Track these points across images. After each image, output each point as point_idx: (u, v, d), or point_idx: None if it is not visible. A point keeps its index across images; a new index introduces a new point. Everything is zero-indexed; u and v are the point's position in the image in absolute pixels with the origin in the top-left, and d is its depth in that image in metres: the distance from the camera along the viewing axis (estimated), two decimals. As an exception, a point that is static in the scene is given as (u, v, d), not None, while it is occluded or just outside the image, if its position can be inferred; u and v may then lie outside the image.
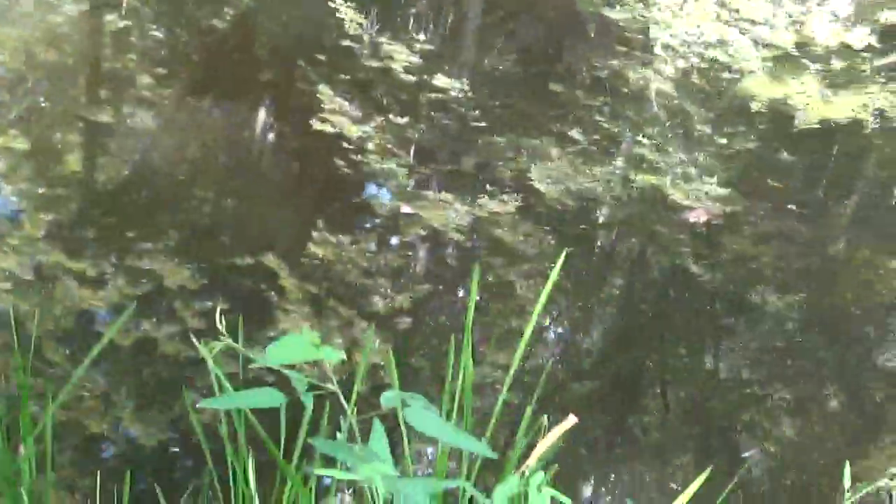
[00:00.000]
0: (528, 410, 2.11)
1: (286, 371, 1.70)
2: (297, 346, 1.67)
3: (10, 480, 2.25)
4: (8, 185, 4.86)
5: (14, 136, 5.21)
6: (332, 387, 1.70)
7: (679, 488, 3.87)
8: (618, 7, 8.53)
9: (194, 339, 2.33)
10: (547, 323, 4.69)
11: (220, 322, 1.79)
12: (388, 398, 1.69)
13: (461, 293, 4.83)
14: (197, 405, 1.69)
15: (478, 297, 4.71)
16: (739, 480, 3.73)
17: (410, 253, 4.98)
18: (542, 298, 2.10)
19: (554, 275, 2.10)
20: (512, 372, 2.14)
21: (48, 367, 3.71)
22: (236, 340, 3.44)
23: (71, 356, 3.81)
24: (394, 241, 5.02)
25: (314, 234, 4.88)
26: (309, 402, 1.72)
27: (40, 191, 4.84)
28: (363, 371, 2.02)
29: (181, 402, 3.72)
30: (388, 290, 4.57)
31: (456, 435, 1.66)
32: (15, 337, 3.45)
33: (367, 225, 5.11)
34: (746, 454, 4.16)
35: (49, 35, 6.40)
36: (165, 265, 4.44)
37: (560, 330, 4.74)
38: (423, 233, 5.05)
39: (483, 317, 4.56)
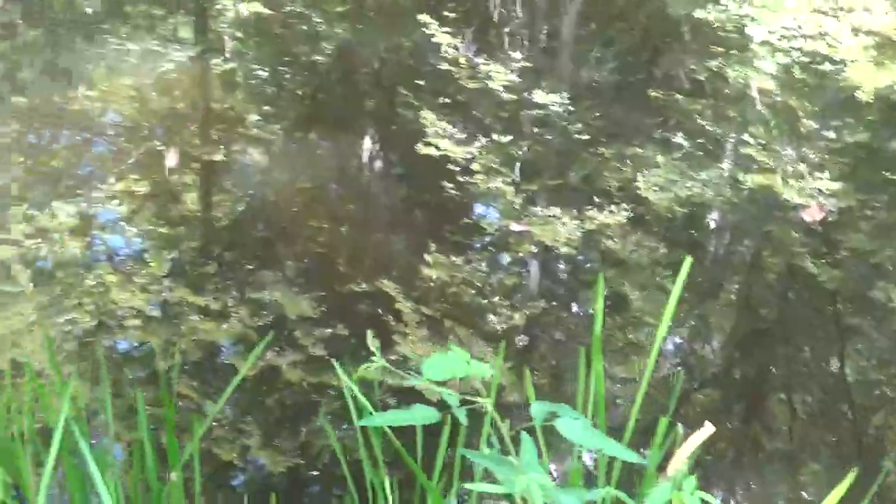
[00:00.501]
0: (664, 422, 2.14)
1: (436, 388, 1.76)
2: (449, 363, 1.73)
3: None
4: (131, 226, 5.04)
5: (134, 179, 5.40)
6: (484, 401, 1.75)
7: (811, 498, 3.83)
8: (710, 7, 8.49)
9: (335, 364, 2.40)
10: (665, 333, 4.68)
11: (372, 343, 1.85)
12: (539, 410, 1.74)
13: (574, 308, 4.86)
14: (359, 423, 1.74)
15: (591, 311, 4.74)
16: (878, 488, 3.67)
17: (523, 270, 5.02)
18: (670, 309, 2.12)
19: (679, 285, 2.12)
20: (646, 382, 2.17)
21: (178, 399, 3.83)
22: (359, 366, 3.52)
23: (199, 388, 3.93)
24: (505, 259, 5.07)
25: (427, 256, 4.95)
26: (463, 417, 1.77)
27: (162, 230, 5.00)
28: (494, 386, 2.06)
29: (308, 427, 3.81)
30: (504, 309, 4.62)
31: (608, 444, 1.71)
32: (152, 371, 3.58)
33: (479, 245, 5.17)
34: (883, 460, 4.08)
35: (160, 82, 6.61)
36: (285, 295, 4.56)
37: (678, 339, 4.73)
38: (533, 249, 5.09)
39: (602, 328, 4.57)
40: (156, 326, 4.31)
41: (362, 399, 2.17)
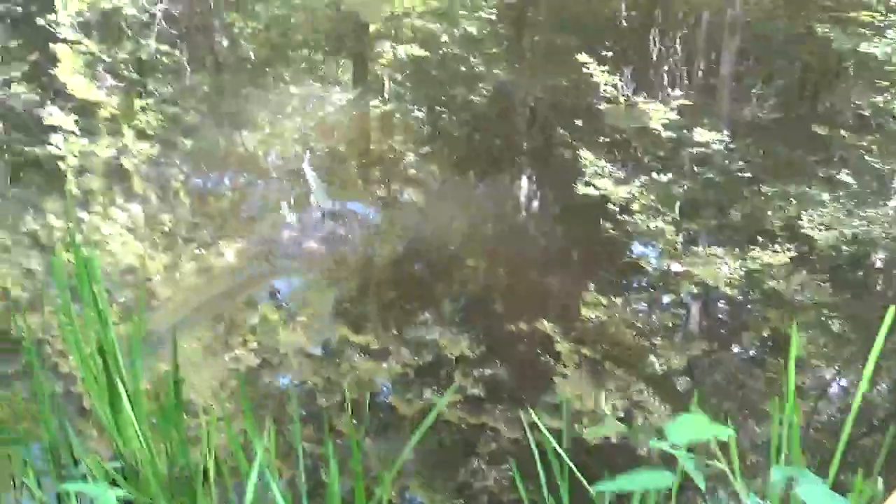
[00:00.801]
0: (860, 475, 2.09)
1: (675, 451, 1.76)
2: (692, 425, 1.74)
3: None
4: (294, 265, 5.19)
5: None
6: (721, 465, 1.75)
7: None
8: (877, 41, 8.31)
9: (532, 414, 2.43)
10: (829, 377, 4.59)
11: (604, 405, 1.87)
12: (779, 475, 1.73)
13: (736, 349, 4.79)
14: (595, 488, 1.76)
15: (753, 352, 4.67)
16: None
17: (683, 310, 4.99)
18: (873, 358, 2.07)
19: (882, 336, 2.07)
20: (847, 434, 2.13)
21: (338, 438, 3.91)
22: (519, 406, 3.56)
23: (360, 427, 4.00)
24: (666, 299, 5.03)
25: (586, 296, 4.96)
26: (702, 482, 1.77)
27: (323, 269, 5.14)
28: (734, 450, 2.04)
29: (466, 468, 3.85)
30: (664, 350, 4.59)
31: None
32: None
33: (638, 285, 5.15)
34: None
35: (321, 124, 6.79)
36: (444, 335, 4.62)
37: (844, 383, 4.62)
38: (694, 289, 5.05)
39: (765, 371, 4.51)
40: (317, 365, 4.41)
41: (559, 451, 2.18)
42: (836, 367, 4.63)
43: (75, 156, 6.29)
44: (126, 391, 3.13)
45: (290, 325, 4.66)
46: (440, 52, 8.08)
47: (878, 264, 5.57)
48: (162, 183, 6.01)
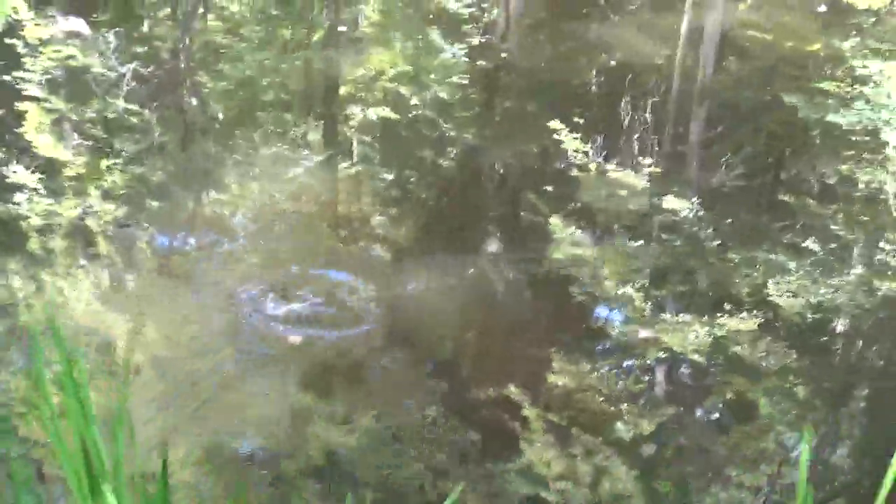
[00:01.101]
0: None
1: None
2: None
3: None
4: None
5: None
6: None
7: None
8: (843, 111, 8.49)
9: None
10: (792, 442, 4.67)
11: None
12: None
13: (699, 413, 4.87)
14: None
15: (718, 416, 4.75)
16: None
17: (649, 376, 5.06)
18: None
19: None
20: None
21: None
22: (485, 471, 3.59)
23: (321, 493, 4.04)
24: (633, 365, 5.11)
25: (553, 362, 5.03)
26: None
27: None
28: None
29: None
30: (631, 416, 4.66)
31: None
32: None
33: (605, 350, 5.23)
34: None
35: (289, 186, 6.86)
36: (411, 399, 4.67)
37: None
38: (662, 355, 5.13)
39: (729, 437, 4.58)
40: (282, 431, 4.46)
41: None
42: (800, 432, 4.71)
43: (38, 215, 6.32)
44: (106, 492, 3.15)
45: (254, 391, 4.71)
46: (410, 115, 8.18)
47: (840, 329, 5.67)
48: (127, 244, 6.05)
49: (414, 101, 8.43)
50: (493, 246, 6.44)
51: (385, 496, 4.07)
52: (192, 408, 4.55)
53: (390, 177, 7.19)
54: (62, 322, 5.04)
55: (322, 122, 8.41)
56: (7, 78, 8.15)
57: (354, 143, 7.86)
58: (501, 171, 7.58)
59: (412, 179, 7.22)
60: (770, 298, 5.70)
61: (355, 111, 8.23)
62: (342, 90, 8.82)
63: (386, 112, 8.14)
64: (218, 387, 4.71)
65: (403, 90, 8.62)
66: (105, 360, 4.78)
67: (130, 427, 3.28)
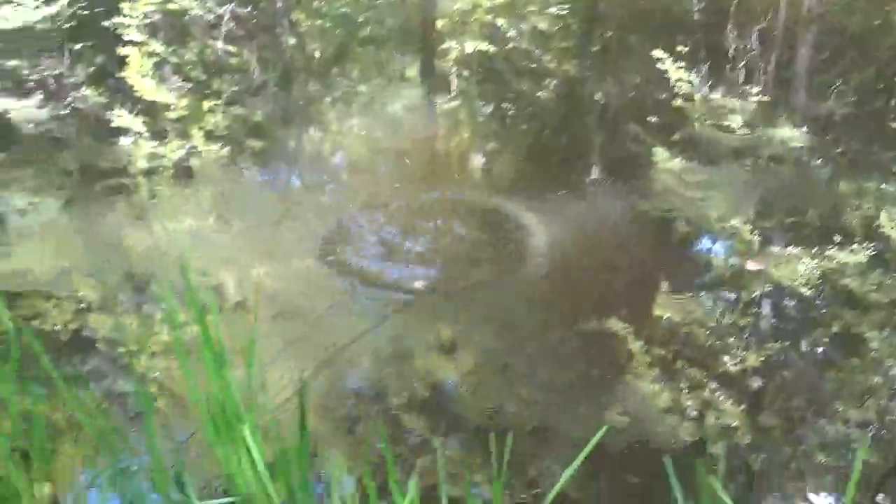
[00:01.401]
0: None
1: None
2: None
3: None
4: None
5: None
6: None
7: None
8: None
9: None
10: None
11: None
12: None
13: (805, 347, 4.85)
14: None
15: (825, 350, 4.73)
16: None
17: (756, 310, 5.05)
18: None
19: None
20: None
21: (409, 434, 4.04)
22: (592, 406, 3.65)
23: (427, 425, 4.13)
24: (740, 298, 5.10)
25: (659, 296, 5.04)
26: None
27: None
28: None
29: (535, 468, 3.95)
30: (737, 350, 4.66)
31: None
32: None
33: (712, 284, 5.23)
34: None
35: (389, 121, 6.93)
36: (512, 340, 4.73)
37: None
38: (769, 288, 5.12)
39: (837, 371, 4.57)
40: (387, 363, 4.56)
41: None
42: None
43: (143, 158, 6.49)
44: (246, 434, 3.28)
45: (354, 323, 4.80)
46: (507, 47, 8.18)
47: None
48: (232, 184, 6.19)
49: (511, 33, 8.43)
50: (595, 178, 6.43)
51: (494, 429, 4.15)
52: (312, 348, 4.67)
53: (489, 110, 7.22)
54: (168, 263, 5.19)
55: (419, 56, 8.45)
56: (107, 24, 8.33)
57: (452, 78, 7.90)
58: (603, 102, 7.56)
59: (510, 113, 7.24)
60: (881, 230, 5.63)
61: (453, 45, 8.26)
62: (439, 24, 8.85)
63: (483, 45, 8.15)
64: (335, 326, 4.82)
65: (501, 22, 8.62)
66: (220, 302, 4.92)
67: (261, 369, 3.42)
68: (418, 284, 5.13)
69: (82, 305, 4.93)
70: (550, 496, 2.66)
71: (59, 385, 3.51)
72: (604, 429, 2.88)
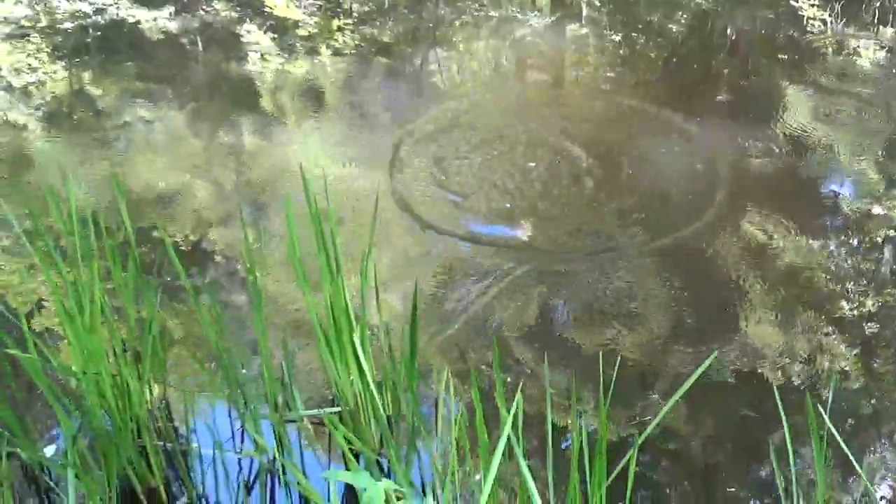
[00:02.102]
0: None
1: None
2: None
3: None
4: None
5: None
6: None
7: None
8: None
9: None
10: None
11: None
12: None
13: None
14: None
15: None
16: None
17: (878, 254, 4.99)
18: None
19: None
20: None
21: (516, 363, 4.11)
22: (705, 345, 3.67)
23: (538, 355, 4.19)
24: (862, 242, 5.05)
25: (779, 236, 5.01)
26: None
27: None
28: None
29: (643, 403, 3.98)
30: (856, 294, 4.63)
31: None
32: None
33: (835, 226, 5.17)
34: None
35: (517, 45, 6.94)
36: (629, 270, 4.76)
37: None
38: (893, 233, 5.05)
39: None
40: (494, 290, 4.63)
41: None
42: None
43: (271, 73, 6.61)
44: (356, 343, 3.39)
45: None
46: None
47: None
48: (356, 102, 6.27)
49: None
50: (721, 112, 6.37)
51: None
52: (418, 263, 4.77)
53: (617, 38, 7.18)
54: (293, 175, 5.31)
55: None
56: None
57: (583, 6, 7.86)
58: (733, 37, 7.46)
59: (640, 42, 7.18)
60: None
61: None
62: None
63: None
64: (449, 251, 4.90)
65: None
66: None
67: (375, 282, 3.51)
68: (522, 231, 5.15)
69: (202, 217, 5.08)
70: (653, 424, 2.70)
71: (180, 294, 3.66)
72: (712, 356, 2.90)
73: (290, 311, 4.30)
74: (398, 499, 2.41)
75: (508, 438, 2.40)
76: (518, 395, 2.77)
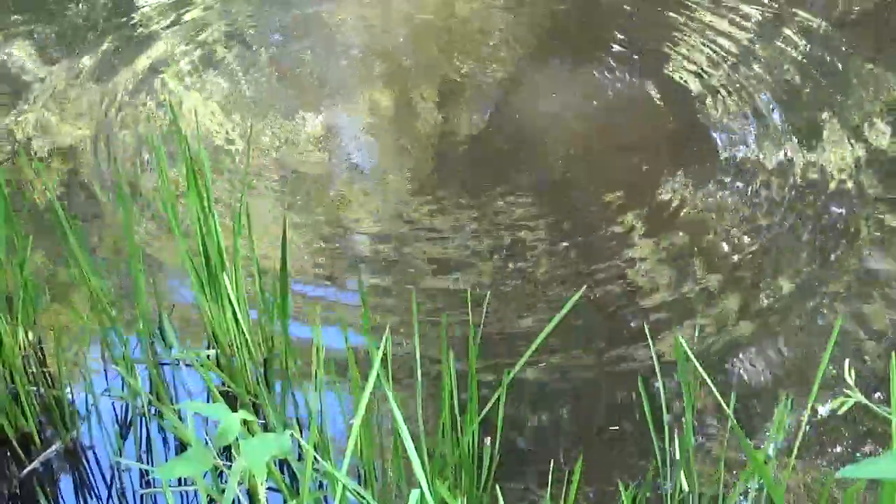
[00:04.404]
0: None
1: None
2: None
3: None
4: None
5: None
6: None
7: None
8: None
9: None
10: None
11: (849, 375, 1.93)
12: None
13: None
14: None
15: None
16: None
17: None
18: None
19: None
20: None
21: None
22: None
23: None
24: (751, 187, 5.09)
25: (668, 185, 5.09)
26: None
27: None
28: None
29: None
30: (734, 234, 4.73)
31: None
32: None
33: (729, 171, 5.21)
34: None
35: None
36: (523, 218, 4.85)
37: None
38: (787, 181, 5.08)
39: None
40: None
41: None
42: None
43: (161, 15, 6.53)
44: (227, 281, 3.43)
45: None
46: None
47: None
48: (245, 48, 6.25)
49: None
50: (615, 59, 6.34)
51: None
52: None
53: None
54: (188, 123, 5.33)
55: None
56: None
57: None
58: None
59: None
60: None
61: None
62: None
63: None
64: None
65: None
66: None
67: (248, 221, 3.56)
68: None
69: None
70: (521, 362, 2.78)
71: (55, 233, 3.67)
72: (580, 292, 3.00)
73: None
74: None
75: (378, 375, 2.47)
76: (387, 333, 2.85)
